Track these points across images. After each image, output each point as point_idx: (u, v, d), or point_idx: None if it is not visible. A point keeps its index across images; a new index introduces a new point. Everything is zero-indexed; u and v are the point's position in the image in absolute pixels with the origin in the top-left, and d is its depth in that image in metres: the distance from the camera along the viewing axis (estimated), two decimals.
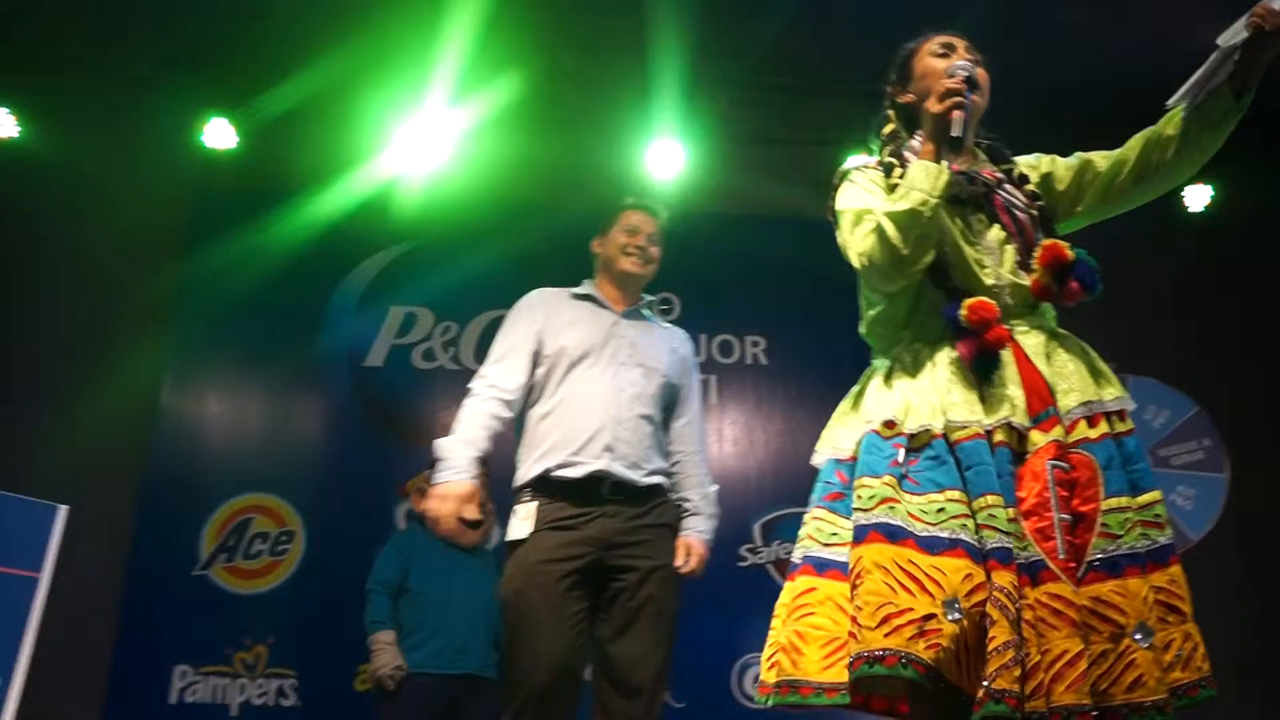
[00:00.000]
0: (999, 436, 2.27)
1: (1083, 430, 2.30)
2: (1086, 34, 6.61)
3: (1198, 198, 7.55)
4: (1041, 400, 2.33)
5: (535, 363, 3.43)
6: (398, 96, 6.61)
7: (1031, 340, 2.43)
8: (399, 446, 6.28)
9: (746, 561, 6.34)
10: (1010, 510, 2.17)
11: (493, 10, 6.15)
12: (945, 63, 2.56)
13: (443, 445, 3.24)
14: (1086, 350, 2.47)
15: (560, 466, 3.23)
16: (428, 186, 6.80)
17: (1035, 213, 2.56)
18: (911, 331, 2.56)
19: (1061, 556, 2.15)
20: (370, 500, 6.13)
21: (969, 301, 2.37)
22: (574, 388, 3.36)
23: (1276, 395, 7.32)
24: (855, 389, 2.68)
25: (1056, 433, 2.27)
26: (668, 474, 3.46)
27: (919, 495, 2.22)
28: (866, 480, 2.26)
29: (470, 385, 3.43)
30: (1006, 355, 2.37)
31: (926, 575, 2.09)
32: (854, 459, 2.39)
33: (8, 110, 6.39)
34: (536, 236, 6.62)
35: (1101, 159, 2.61)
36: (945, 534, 2.15)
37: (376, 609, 4.74)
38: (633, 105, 7.00)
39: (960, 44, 2.64)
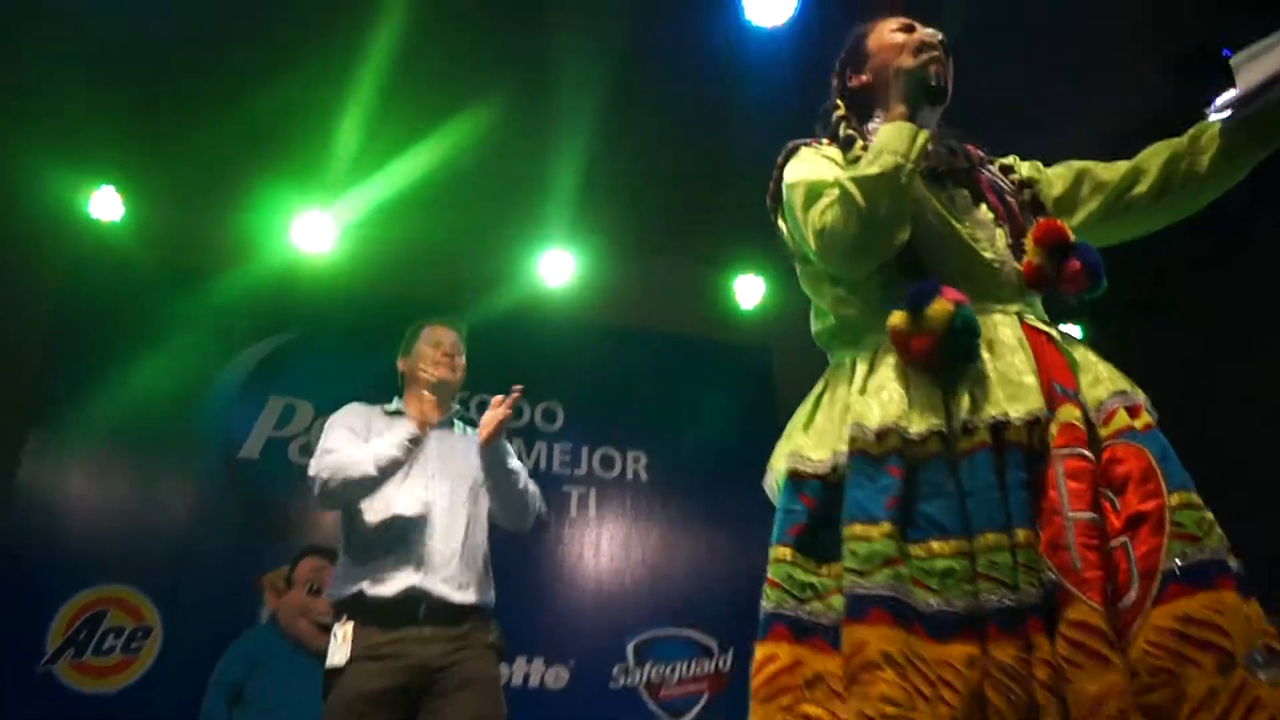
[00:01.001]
0: (1013, 435, 1.85)
1: (1123, 419, 1.89)
2: None
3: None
4: (1063, 381, 1.93)
5: None
6: (293, 180, 6.58)
7: (1043, 324, 2.09)
8: (271, 542, 6.03)
9: (619, 683, 6.27)
10: (1024, 533, 1.76)
11: (391, 104, 6.21)
12: (908, 36, 2.27)
13: (369, 456, 3.31)
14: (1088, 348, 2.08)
15: (375, 585, 3.21)
16: (317, 275, 6.71)
17: (1026, 198, 2.25)
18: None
19: (1077, 568, 1.71)
20: (236, 598, 5.84)
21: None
22: (386, 503, 3.34)
23: None
24: (817, 390, 2.23)
25: (1068, 414, 1.87)
26: (486, 594, 3.43)
27: (919, 544, 1.81)
28: (861, 528, 1.83)
29: (314, 474, 3.37)
30: (1012, 336, 1.99)
31: (939, 678, 1.69)
32: (824, 479, 1.98)
33: None
34: None
35: (1104, 169, 2.30)
36: (952, 609, 1.74)
37: (209, 711, 4.39)
38: (526, 210, 7.08)
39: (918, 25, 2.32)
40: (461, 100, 6.28)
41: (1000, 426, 1.85)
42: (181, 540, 5.98)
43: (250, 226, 6.68)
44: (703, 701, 6.55)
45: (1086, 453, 1.81)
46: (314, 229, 6.56)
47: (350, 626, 3.15)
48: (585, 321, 6.98)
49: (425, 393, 3.61)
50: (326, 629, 4.19)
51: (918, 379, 1.95)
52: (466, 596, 3.30)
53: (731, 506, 6.99)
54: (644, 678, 6.40)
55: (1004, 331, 2.00)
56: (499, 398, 3.42)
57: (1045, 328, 2.06)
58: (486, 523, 3.58)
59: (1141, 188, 2.22)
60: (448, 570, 3.28)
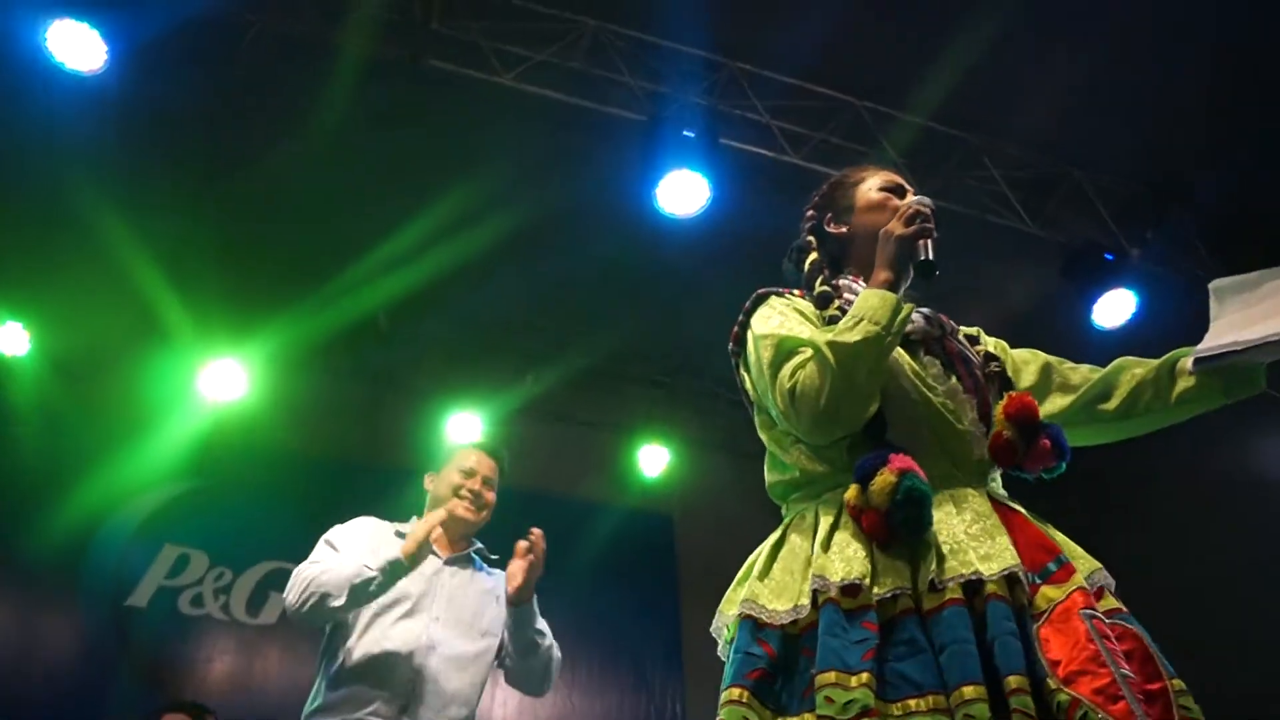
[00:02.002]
0: (991, 588, 1.77)
1: (1111, 600, 1.85)
2: None
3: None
4: (1047, 551, 1.88)
5: None
6: (203, 327, 6.61)
7: (1006, 501, 2.02)
8: (157, 696, 5.79)
9: None
10: (1016, 679, 1.66)
11: (312, 256, 6.34)
12: (897, 200, 2.22)
13: (353, 568, 2.99)
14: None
15: (352, 712, 2.94)
16: (223, 426, 6.67)
17: (993, 370, 2.18)
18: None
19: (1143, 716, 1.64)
20: None
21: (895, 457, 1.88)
22: (383, 634, 3.05)
23: None
24: (773, 539, 2.06)
25: (1077, 580, 1.82)
26: None
27: (895, 704, 1.70)
28: (836, 676, 1.71)
29: (288, 587, 3.08)
30: (983, 505, 1.94)
31: None
32: (784, 629, 1.86)
33: None
34: (325, 493, 6.55)
35: (1071, 370, 2.28)
36: None
37: None
38: (435, 371, 7.19)
39: (909, 188, 2.28)
40: (376, 258, 6.43)
41: (975, 584, 1.78)
42: (65, 687, 5.77)
43: (158, 369, 6.65)
44: None
45: (1105, 619, 1.77)
46: (224, 377, 6.56)
47: None
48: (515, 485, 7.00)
49: (447, 526, 3.32)
50: None
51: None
52: None
53: (628, 666, 7.00)
54: None
55: (975, 501, 1.94)
56: (523, 544, 3.14)
57: (1012, 503, 2.01)
58: (487, 679, 3.26)
59: (1109, 404, 2.19)
60: (444, 714, 3.03)
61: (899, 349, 2.01)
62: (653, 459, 7.62)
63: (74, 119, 5.39)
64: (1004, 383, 2.15)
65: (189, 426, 6.63)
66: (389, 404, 7.17)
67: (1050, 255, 6.12)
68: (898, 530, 1.83)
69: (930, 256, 2.02)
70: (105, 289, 6.44)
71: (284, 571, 6.23)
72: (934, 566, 1.80)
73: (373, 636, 3.05)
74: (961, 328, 2.30)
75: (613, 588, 7.25)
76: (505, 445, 3.68)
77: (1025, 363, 2.30)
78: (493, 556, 3.46)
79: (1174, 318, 6.44)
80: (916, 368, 2.04)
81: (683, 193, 5.24)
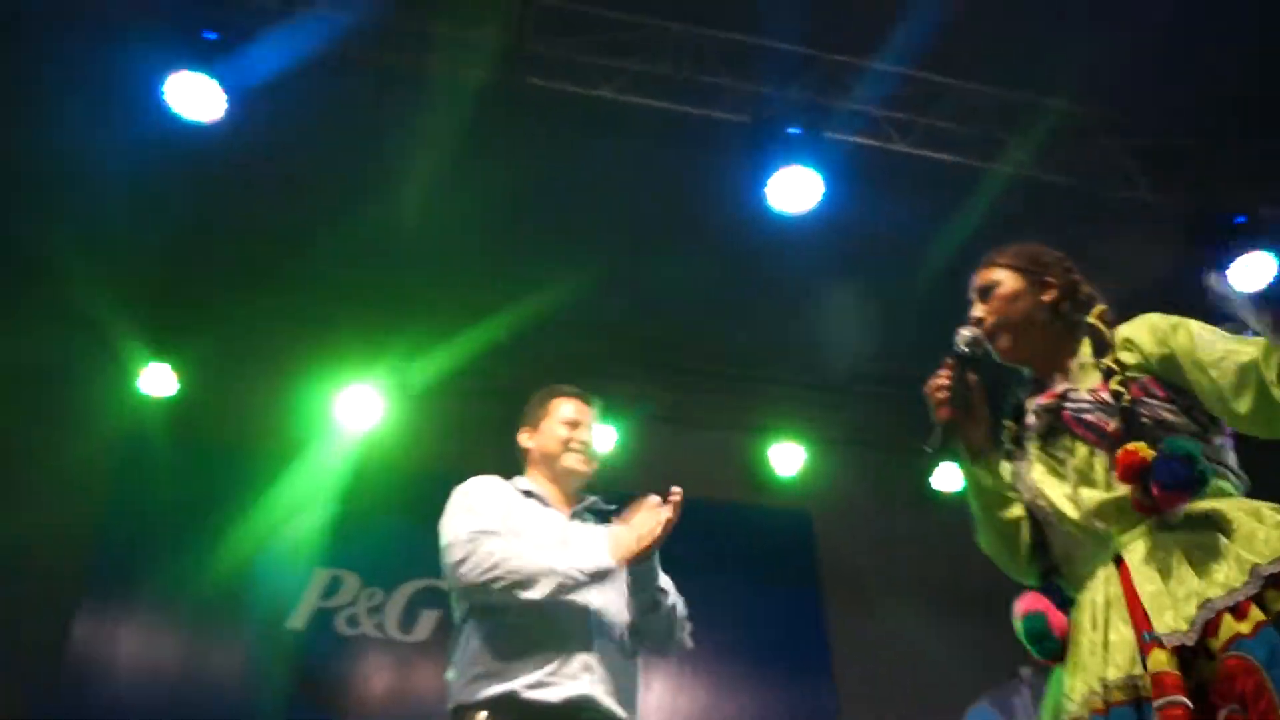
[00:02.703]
0: (1117, 696, 1.92)
1: (1230, 627, 1.85)
2: None
3: None
4: (1145, 624, 1.95)
5: None
6: (339, 357, 6.84)
7: (1137, 555, 2.05)
8: (319, 715, 6.14)
9: None
10: None
11: (435, 283, 6.52)
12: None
13: (547, 562, 2.75)
14: (1201, 539, 2.00)
15: (533, 687, 2.67)
16: (363, 450, 6.90)
17: (1116, 408, 2.14)
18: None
19: None
20: None
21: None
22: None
23: None
24: None
25: (1155, 661, 1.87)
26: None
27: None
28: None
29: (466, 556, 2.81)
30: (1106, 595, 2.06)
31: None
32: None
33: None
34: None
35: (1207, 364, 2.12)
36: None
37: None
38: (568, 384, 7.28)
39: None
40: (503, 278, 6.58)
41: (1105, 690, 1.93)
42: (231, 708, 6.03)
43: (297, 401, 6.91)
44: None
45: (1179, 698, 1.80)
46: (360, 405, 6.76)
47: None
48: (627, 490, 7.07)
49: (558, 481, 3.15)
50: None
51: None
52: (630, 715, 2.82)
53: (776, 668, 6.99)
54: None
55: (1099, 594, 2.08)
56: (654, 500, 2.88)
57: (1134, 556, 2.05)
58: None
59: (1239, 406, 2.04)
60: (614, 683, 2.79)
61: (1032, 454, 2.26)
62: (787, 457, 7.61)
63: (198, 164, 5.64)
64: (1129, 417, 2.11)
65: (329, 453, 6.87)
66: (519, 421, 7.29)
67: (1176, 224, 5.92)
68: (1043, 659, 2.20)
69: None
70: (243, 327, 6.75)
71: (433, 589, 6.54)
72: (1076, 686, 2.03)
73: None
74: (1122, 338, 2.27)
75: (756, 588, 7.27)
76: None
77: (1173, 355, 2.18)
78: (609, 507, 3.16)
79: None
80: (1042, 467, 2.24)
81: (793, 190, 5.22)
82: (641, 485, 7.42)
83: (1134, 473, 2.02)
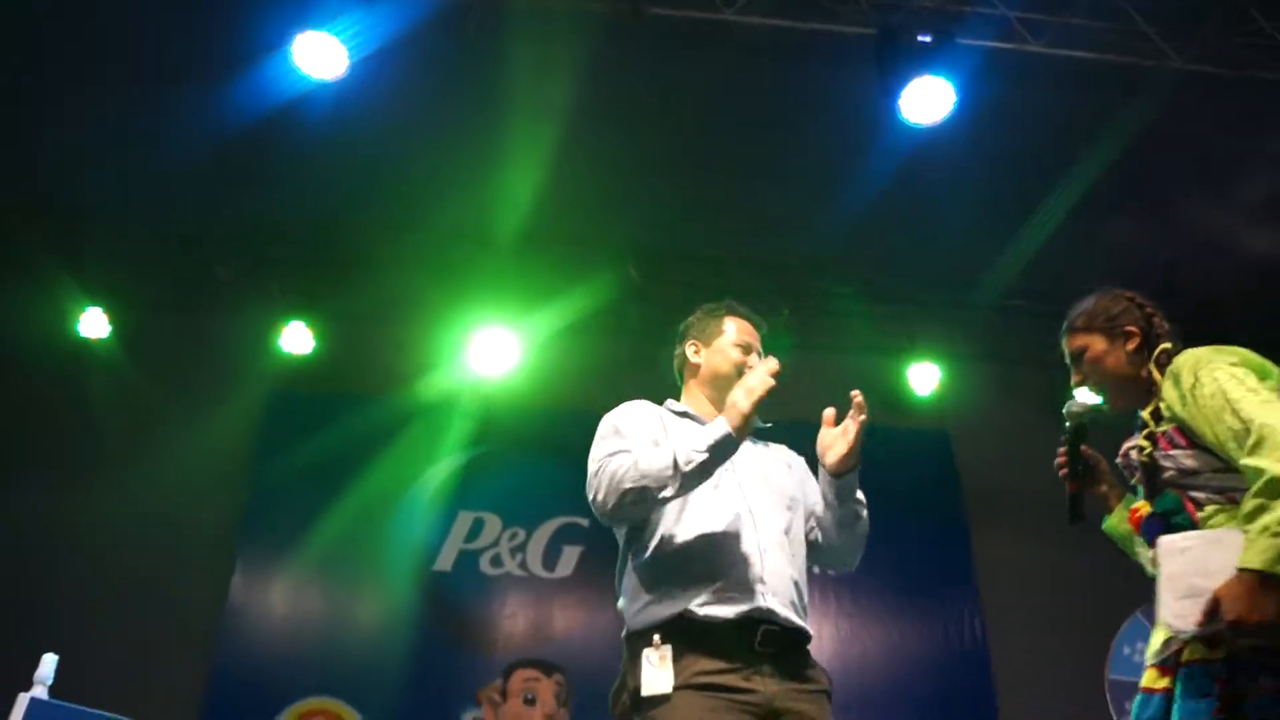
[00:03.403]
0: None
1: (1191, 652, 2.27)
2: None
3: None
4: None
5: None
6: (470, 303, 6.89)
7: None
8: (465, 653, 6.27)
9: None
10: None
11: (564, 223, 6.49)
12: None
13: (668, 455, 2.60)
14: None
15: (706, 604, 2.60)
16: (498, 393, 6.96)
17: (1138, 464, 2.48)
18: None
19: None
20: (437, 707, 6.05)
21: None
22: (704, 516, 2.72)
23: None
24: None
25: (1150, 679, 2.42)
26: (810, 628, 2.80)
27: None
28: None
29: (596, 480, 2.70)
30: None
31: None
32: None
33: (100, 309, 6.67)
34: None
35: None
36: None
37: None
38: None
39: None
40: (633, 218, 6.53)
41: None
42: (382, 651, 6.23)
43: (430, 349, 7.00)
44: None
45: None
46: (492, 349, 6.81)
47: (669, 649, 2.55)
48: (765, 419, 7.02)
49: (720, 400, 2.88)
50: None
51: None
52: (803, 621, 2.73)
53: (922, 592, 6.91)
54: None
55: None
56: (834, 413, 2.89)
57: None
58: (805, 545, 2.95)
59: None
60: (787, 594, 2.69)
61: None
62: (923, 377, 7.45)
63: (327, 122, 5.68)
64: (1149, 472, 2.45)
65: (466, 399, 6.96)
66: (655, 356, 7.26)
67: None
68: None
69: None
70: (375, 282, 6.85)
71: (574, 526, 6.58)
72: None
73: (693, 521, 2.73)
74: (1167, 389, 2.47)
75: (898, 510, 7.13)
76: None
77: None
78: (766, 425, 2.94)
79: None
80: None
81: (926, 101, 5.01)
82: (782, 412, 7.41)
83: (1139, 528, 2.47)
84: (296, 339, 6.81)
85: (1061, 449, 2.68)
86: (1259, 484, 2.13)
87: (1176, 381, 2.41)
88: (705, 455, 2.58)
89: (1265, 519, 2.09)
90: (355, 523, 6.54)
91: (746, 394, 2.63)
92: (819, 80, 5.62)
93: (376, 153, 6.16)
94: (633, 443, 2.78)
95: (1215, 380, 2.33)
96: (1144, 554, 2.53)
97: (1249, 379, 2.32)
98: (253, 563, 6.42)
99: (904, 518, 7.12)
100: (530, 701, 4.74)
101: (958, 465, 7.48)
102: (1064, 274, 7.31)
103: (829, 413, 2.87)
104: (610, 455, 2.72)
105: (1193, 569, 2.26)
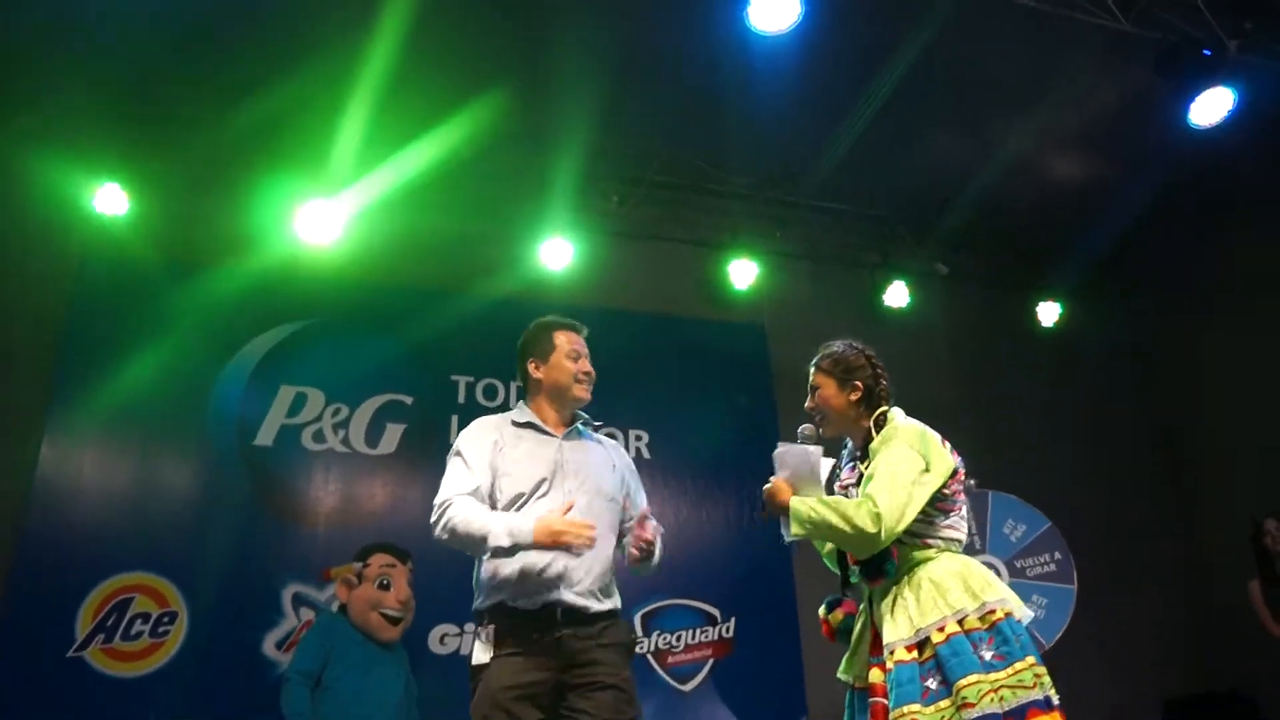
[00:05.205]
0: (858, 684, 3.19)
1: (890, 660, 3.00)
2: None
3: (1048, 314, 8.21)
4: (875, 652, 3.12)
5: (491, 492, 3.44)
6: (295, 172, 6.74)
7: (875, 603, 3.19)
8: (287, 528, 6.27)
9: None
10: None
11: (393, 97, 6.38)
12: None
13: (487, 529, 3.27)
14: (901, 602, 3.09)
15: (517, 597, 3.28)
16: (322, 265, 6.84)
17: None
18: None
19: None
20: (257, 581, 6.04)
21: None
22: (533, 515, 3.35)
23: (1120, 514, 8.01)
24: None
25: (875, 675, 3.07)
26: (617, 600, 3.50)
27: None
28: None
29: (433, 520, 3.38)
30: (867, 619, 3.24)
31: None
32: None
33: None
34: (430, 323, 6.85)
35: None
36: None
37: (297, 700, 4.64)
38: (527, 199, 7.29)
39: None
40: (463, 93, 6.49)
41: (854, 679, 3.22)
42: (201, 526, 6.13)
43: (254, 218, 6.81)
44: (708, 667, 6.84)
45: (881, 700, 3.00)
46: (318, 220, 6.66)
47: (492, 629, 3.30)
48: (585, 305, 7.14)
49: (560, 407, 3.63)
50: (395, 621, 4.93)
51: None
52: (601, 605, 3.38)
53: (731, 479, 7.27)
54: (651, 646, 6.68)
55: (862, 616, 3.28)
56: (652, 524, 3.47)
57: (874, 606, 3.18)
58: (617, 533, 3.60)
59: None
60: (586, 584, 3.35)
61: None
62: (741, 272, 7.70)
63: None
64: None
65: (289, 271, 6.81)
66: (482, 234, 7.29)
67: (1144, 53, 5.94)
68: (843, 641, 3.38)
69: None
70: (195, 144, 6.59)
71: (396, 403, 6.63)
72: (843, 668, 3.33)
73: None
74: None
75: (713, 398, 7.51)
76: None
77: None
78: (596, 424, 3.76)
79: (1274, 111, 6.34)
80: None
81: (773, 9, 5.11)
82: (600, 299, 7.59)
83: (853, 557, 3.17)
84: (110, 200, 6.43)
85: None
86: (860, 505, 3.04)
87: (883, 440, 3.23)
88: (508, 543, 3.24)
89: (820, 516, 3.07)
90: (172, 395, 6.35)
91: (553, 536, 3.24)
92: None
93: (207, 20, 5.93)
94: (477, 476, 3.42)
95: (894, 450, 3.17)
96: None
97: (915, 459, 3.14)
98: (62, 434, 6.11)
99: (717, 405, 7.50)
100: (385, 587, 4.93)
101: (771, 357, 7.82)
102: (878, 180, 7.74)
103: (646, 531, 3.47)
104: (453, 496, 3.37)
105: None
